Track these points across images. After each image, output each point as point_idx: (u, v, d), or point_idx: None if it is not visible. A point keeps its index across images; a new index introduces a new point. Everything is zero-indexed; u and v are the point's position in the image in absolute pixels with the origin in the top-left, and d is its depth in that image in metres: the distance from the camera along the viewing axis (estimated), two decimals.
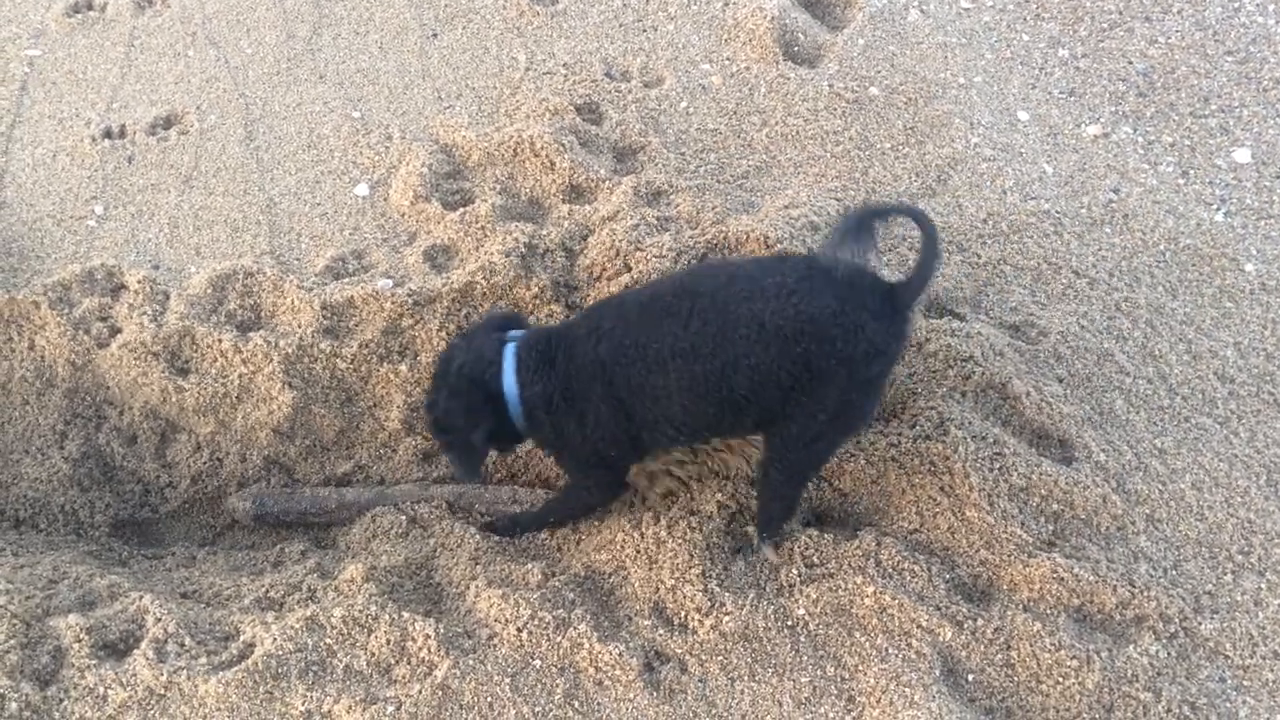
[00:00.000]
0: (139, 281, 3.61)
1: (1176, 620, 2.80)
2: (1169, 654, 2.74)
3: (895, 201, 3.74)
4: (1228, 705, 2.69)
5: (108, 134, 4.32)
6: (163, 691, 2.64)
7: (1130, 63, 4.48)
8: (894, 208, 2.79)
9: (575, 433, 2.77)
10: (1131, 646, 2.72)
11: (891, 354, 2.65)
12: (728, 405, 2.63)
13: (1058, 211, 3.87)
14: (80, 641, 2.74)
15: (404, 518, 3.28)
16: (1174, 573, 2.92)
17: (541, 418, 2.77)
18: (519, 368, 2.75)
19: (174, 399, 3.41)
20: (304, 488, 3.44)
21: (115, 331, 3.50)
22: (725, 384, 2.57)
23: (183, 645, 2.74)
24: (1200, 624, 2.80)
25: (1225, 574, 2.95)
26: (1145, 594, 2.81)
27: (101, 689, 2.64)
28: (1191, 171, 4.07)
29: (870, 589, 2.79)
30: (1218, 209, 3.91)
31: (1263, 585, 2.92)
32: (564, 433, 2.80)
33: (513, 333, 2.85)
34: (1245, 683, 2.75)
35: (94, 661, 2.70)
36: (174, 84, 4.49)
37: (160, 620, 2.79)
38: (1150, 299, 3.60)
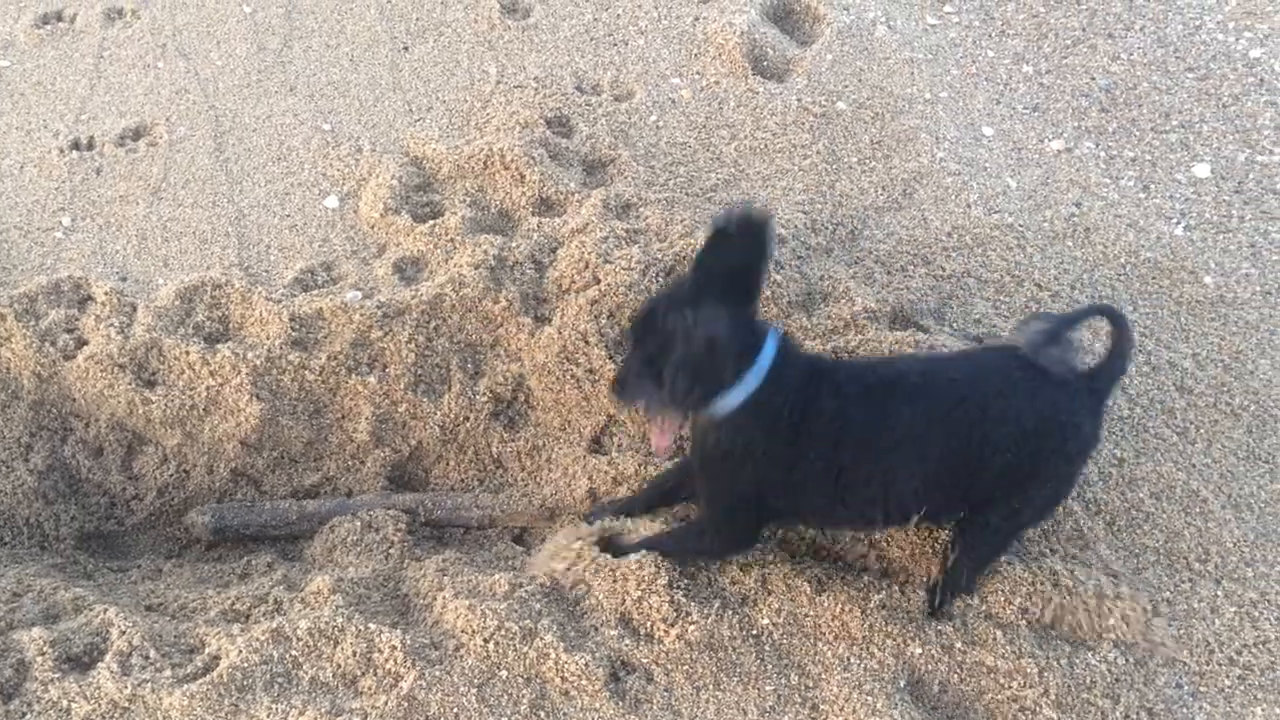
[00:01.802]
0: (106, 293, 3.60)
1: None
2: (1127, 661, 2.78)
3: (1091, 304, 3.61)
4: (1185, 711, 2.74)
5: (76, 145, 4.31)
6: (127, 704, 2.62)
7: (1093, 79, 4.55)
8: (1091, 310, 2.84)
9: (770, 464, 2.58)
10: (1090, 654, 2.76)
11: (1096, 448, 2.74)
12: (959, 493, 2.65)
13: (1021, 225, 3.92)
14: (44, 655, 2.72)
15: (372, 529, 3.28)
16: (1133, 581, 2.97)
17: (754, 424, 2.51)
18: (777, 363, 2.47)
19: (141, 411, 3.40)
20: (264, 500, 3.44)
21: (82, 343, 3.49)
22: (968, 474, 2.59)
23: (147, 658, 2.73)
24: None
25: (1183, 582, 2.99)
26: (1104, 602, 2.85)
27: (65, 702, 2.63)
28: (1152, 186, 4.13)
29: (830, 599, 2.82)
30: (1178, 223, 3.98)
31: (1219, 593, 2.96)
32: (755, 456, 2.57)
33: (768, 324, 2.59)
34: (1202, 689, 2.79)
35: (58, 675, 2.68)
36: (143, 95, 4.49)
37: (125, 633, 2.78)
38: None
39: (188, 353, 3.43)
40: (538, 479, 3.48)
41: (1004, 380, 2.56)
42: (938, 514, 2.75)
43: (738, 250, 2.44)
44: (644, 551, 2.94)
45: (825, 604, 2.84)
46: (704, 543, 2.90)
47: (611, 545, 3.04)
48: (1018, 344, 2.61)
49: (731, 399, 2.46)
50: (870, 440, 2.55)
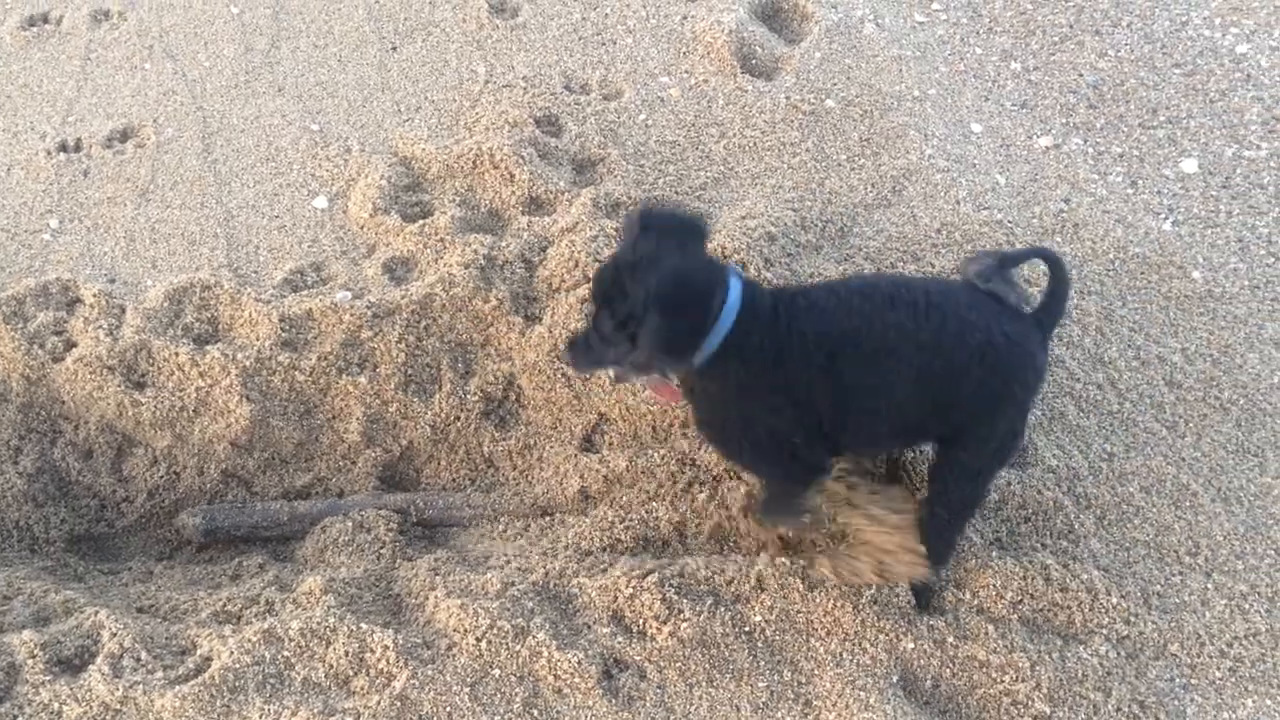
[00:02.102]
0: (95, 295, 3.59)
1: (1126, 621, 2.85)
2: (1119, 654, 2.79)
3: (1031, 247, 3.64)
4: (1176, 703, 2.75)
5: (63, 147, 4.29)
6: (118, 707, 2.62)
7: (1080, 75, 4.57)
8: (1031, 252, 2.86)
9: (767, 404, 2.55)
10: (1082, 647, 2.77)
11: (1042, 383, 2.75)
12: (936, 409, 2.59)
13: (1010, 221, 3.93)
14: (35, 658, 2.72)
15: (364, 529, 3.27)
16: (1124, 574, 2.98)
17: (739, 362, 2.47)
18: (744, 305, 2.44)
19: (130, 413, 3.39)
20: (255, 501, 3.43)
21: (71, 346, 3.48)
22: (948, 386, 2.54)
23: (139, 660, 2.72)
24: (1149, 624, 2.86)
25: (1174, 575, 3.01)
26: (1096, 596, 2.86)
27: (56, 705, 2.63)
28: (1140, 182, 4.15)
29: (822, 595, 2.83)
30: (1165, 218, 3.99)
31: (1209, 585, 2.98)
32: (753, 396, 2.54)
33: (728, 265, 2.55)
34: (1193, 681, 2.80)
35: (48, 677, 2.68)
36: (131, 97, 4.47)
37: (116, 635, 2.77)
38: (1100, 306, 3.66)
39: (177, 354, 3.42)
40: (529, 478, 3.48)
41: (971, 298, 2.57)
42: (918, 433, 2.76)
43: (673, 212, 2.52)
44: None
45: (817, 600, 2.84)
46: (774, 493, 2.84)
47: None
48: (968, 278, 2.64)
49: (709, 345, 2.43)
50: (861, 350, 2.50)
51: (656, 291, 2.34)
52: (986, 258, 2.64)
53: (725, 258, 3.54)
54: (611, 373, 2.74)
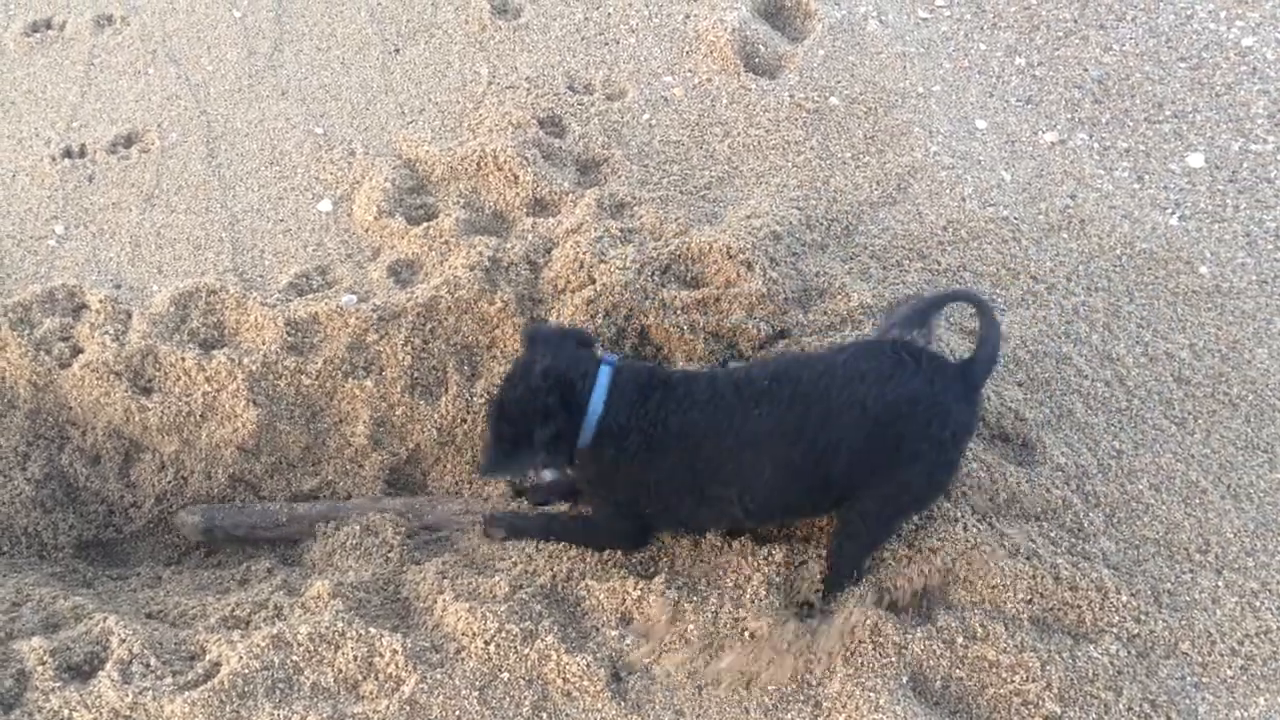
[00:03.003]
0: (100, 301, 3.59)
1: (1137, 620, 2.84)
2: (1129, 653, 2.78)
3: (951, 289, 3.66)
4: (1187, 702, 2.74)
5: (68, 153, 4.30)
6: (128, 713, 2.62)
7: (1085, 70, 4.55)
8: (951, 295, 2.89)
9: (633, 480, 2.78)
10: (1092, 646, 2.76)
11: (971, 433, 2.78)
12: (817, 487, 2.69)
13: (1016, 218, 3.92)
14: (44, 664, 2.72)
15: (371, 533, 3.27)
16: (1134, 572, 2.96)
17: (609, 451, 2.72)
18: (612, 391, 2.70)
19: (137, 418, 3.39)
20: (254, 502, 3.43)
21: (77, 351, 3.48)
22: (821, 467, 2.63)
23: (148, 666, 2.73)
24: (1160, 623, 2.85)
25: (1184, 573, 2.99)
26: (1106, 595, 2.85)
27: (66, 711, 2.63)
28: (1146, 176, 4.13)
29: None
30: (1172, 213, 3.98)
31: (1220, 583, 2.96)
32: (620, 474, 2.79)
33: (607, 356, 2.80)
34: (1204, 680, 2.79)
35: (58, 684, 2.68)
36: (134, 102, 4.48)
37: (125, 641, 2.77)
38: (1107, 303, 3.65)
39: (183, 359, 3.42)
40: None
41: (850, 371, 2.61)
42: (803, 509, 2.88)
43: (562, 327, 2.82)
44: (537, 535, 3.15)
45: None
46: (596, 538, 3.08)
47: (513, 527, 3.19)
48: (886, 333, 2.71)
49: (585, 432, 2.68)
50: (715, 445, 2.66)
51: (513, 386, 2.71)
52: (904, 308, 2.67)
53: (732, 255, 3.54)
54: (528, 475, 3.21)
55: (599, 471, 2.83)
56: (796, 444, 2.61)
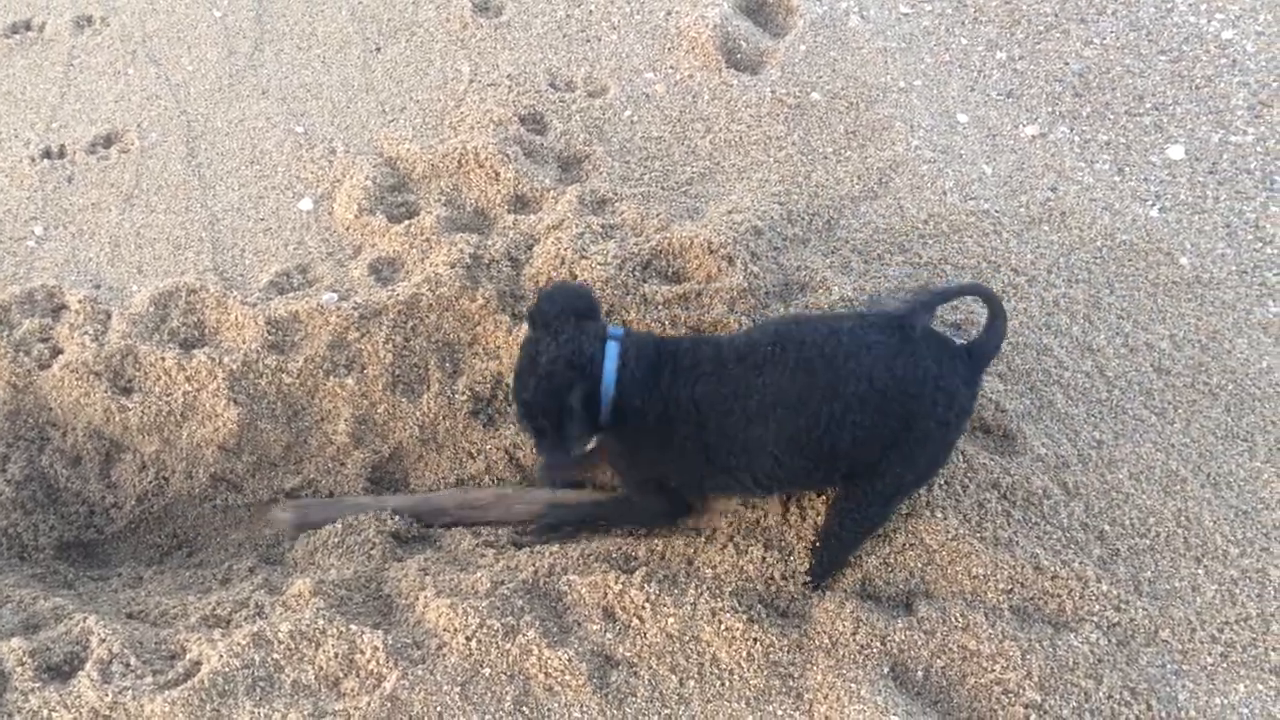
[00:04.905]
0: (80, 301, 3.58)
1: (1117, 608, 2.85)
2: (1109, 641, 2.78)
3: (963, 282, 3.61)
4: (1168, 690, 2.74)
5: (47, 154, 4.28)
6: (108, 712, 2.61)
7: (1066, 64, 4.56)
8: (964, 288, 2.87)
9: (650, 454, 2.78)
10: (1073, 635, 2.76)
11: (970, 416, 2.80)
12: (823, 459, 2.65)
13: (997, 211, 3.93)
14: (24, 665, 2.71)
15: (353, 530, 3.26)
16: (1114, 561, 2.97)
17: (624, 429, 2.70)
18: (622, 368, 2.64)
19: (118, 419, 3.38)
20: (344, 496, 3.46)
21: (57, 352, 3.47)
22: (827, 439, 2.59)
23: (128, 665, 2.72)
24: (1140, 611, 2.85)
25: (1164, 561, 3.00)
26: (1086, 584, 2.86)
27: (46, 712, 2.62)
28: (1127, 169, 4.14)
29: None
30: (1153, 205, 3.99)
31: (1200, 571, 2.97)
32: (639, 448, 2.80)
33: (612, 329, 2.72)
34: (1184, 667, 2.80)
35: (38, 684, 2.67)
36: (114, 102, 4.46)
37: (105, 641, 2.76)
38: (1087, 294, 3.66)
39: (163, 359, 3.41)
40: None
41: (857, 343, 2.57)
42: (810, 480, 2.83)
43: (565, 292, 2.73)
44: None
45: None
46: (635, 516, 3.14)
47: (562, 520, 3.25)
48: (895, 309, 2.65)
49: (605, 411, 2.64)
50: (725, 413, 2.62)
51: (525, 384, 2.63)
52: (922, 294, 2.66)
53: (713, 250, 3.54)
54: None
55: (617, 451, 2.88)
56: (801, 412, 2.57)
